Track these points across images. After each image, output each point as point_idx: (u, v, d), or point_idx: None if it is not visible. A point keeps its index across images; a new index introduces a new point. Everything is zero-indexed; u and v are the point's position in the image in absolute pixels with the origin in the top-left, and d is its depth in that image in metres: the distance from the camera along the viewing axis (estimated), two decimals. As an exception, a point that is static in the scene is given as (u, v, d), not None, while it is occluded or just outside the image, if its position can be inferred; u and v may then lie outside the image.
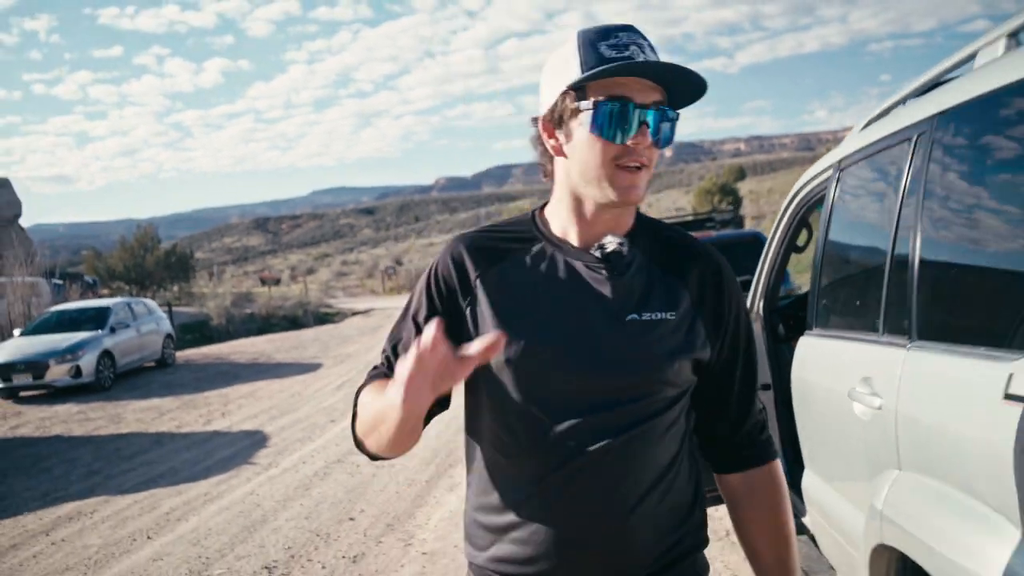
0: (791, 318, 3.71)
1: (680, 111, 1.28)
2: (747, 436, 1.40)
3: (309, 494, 6.06)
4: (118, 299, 16.32)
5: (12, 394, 12.56)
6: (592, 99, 1.23)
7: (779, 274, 3.71)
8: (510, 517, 1.31)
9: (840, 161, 2.70)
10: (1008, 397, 1.42)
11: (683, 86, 1.25)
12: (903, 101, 2.44)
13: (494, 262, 1.34)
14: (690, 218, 12.27)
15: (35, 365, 12.37)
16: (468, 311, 1.31)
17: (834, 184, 2.74)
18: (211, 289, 37.40)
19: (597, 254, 1.30)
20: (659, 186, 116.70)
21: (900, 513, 1.84)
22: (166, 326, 16.16)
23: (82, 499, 6.53)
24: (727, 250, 5.65)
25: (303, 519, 5.43)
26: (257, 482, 6.58)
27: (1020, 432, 1.37)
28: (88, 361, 12.75)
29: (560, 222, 1.34)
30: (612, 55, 1.22)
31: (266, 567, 4.56)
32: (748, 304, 3.77)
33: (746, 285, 4.18)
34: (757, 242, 8.59)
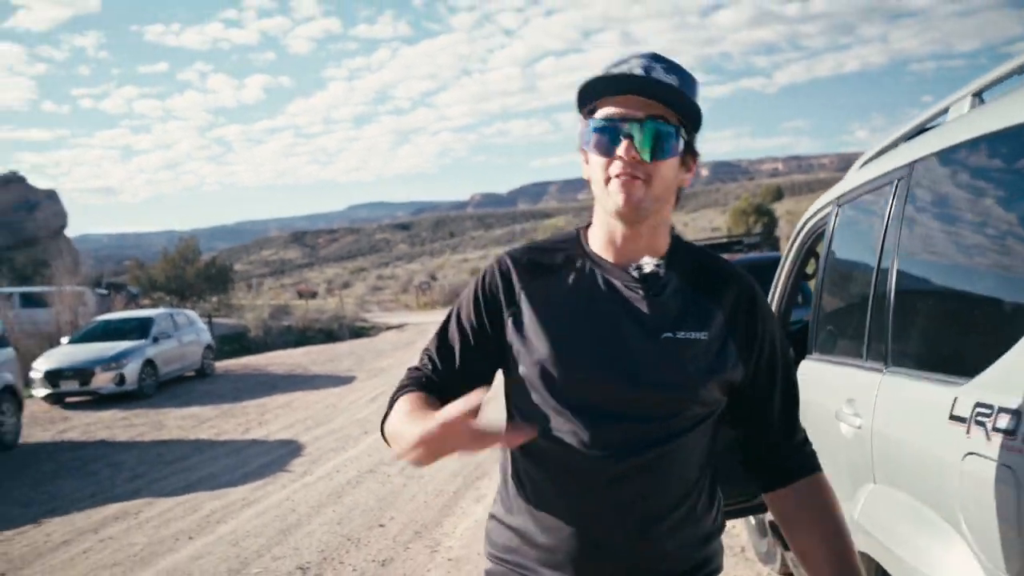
0: (800, 342, 3.89)
1: (692, 131, 1.32)
2: (792, 451, 1.42)
3: (341, 501, 6.32)
4: (161, 310, 16.83)
5: (59, 399, 13.05)
6: (591, 119, 1.32)
7: (790, 300, 3.89)
8: (537, 520, 1.37)
9: (839, 197, 2.91)
10: (952, 418, 1.62)
11: (682, 103, 1.29)
12: (896, 144, 2.64)
13: (538, 276, 1.40)
14: (723, 240, 12.34)
15: (82, 372, 12.85)
16: (511, 320, 1.39)
17: (833, 218, 2.94)
18: (249, 301, 38.15)
19: (635, 274, 1.35)
20: (695, 206, 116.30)
21: (872, 523, 2.04)
22: (206, 337, 16.63)
23: (127, 500, 6.87)
24: (755, 273, 5.83)
25: (335, 524, 5.69)
26: (292, 489, 6.86)
27: (964, 451, 1.57)
28: (132, 369, 13.21)
29: (599, 241, 1.40)
30: (604, 76, 1.31)
31: (300, 568, 4.82)
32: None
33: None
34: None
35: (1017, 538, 1.36)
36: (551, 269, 1.40)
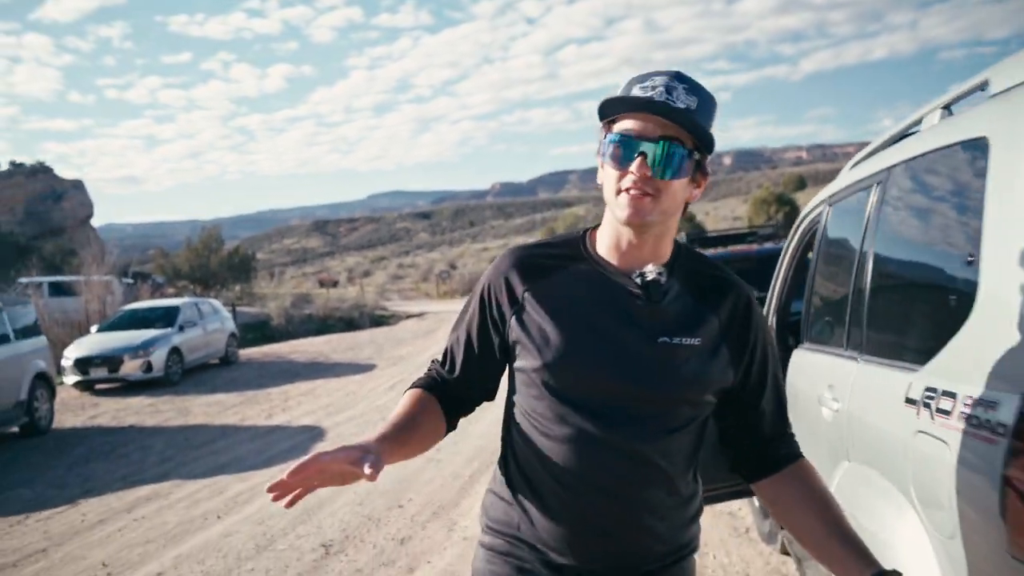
0: (798, 333, 4.06)
1: (706, 152, 1.39)
2: (779, 443, 1.51)
3: (362, 483, 6.57)
4: (186, 299, 17.20)
5: (89, 386, 13.44)
6: (609, 132, 1.39)
7: (791, 291, 4.06)
8: (535, 504, 1.46)
9: (830, 196, 3.08)
10: (907, 401, 1.80)
11: (690, 127, 1.35)
12: (882, 147, 2.81)
13: (542, 276, 1.47)
14: (737, 232, 12.37)
15: (110, 360, 13.21)
16: (514, 319, 1.46)
17: (824, 216, 3.11)
18: (272, 290, 38.62)
19: (638, 280, 1.42)
20: (716, 195, 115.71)
21: (844, 497, 2.23)
22: (230, 325, 16.97)
23: (158, 483, 7.16)
24: (767, 263, 5.98)
25: (356, 505, 5.93)
26: (315, 472, 7.11)
27: (918, 431, 1.75)
28: (158, 357, 13.56)
29: (605, 244, 1.46)
30: (638, 95, 1.35)
31: (323, 545, 5.07)
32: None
33: (761, 301, 4.55)
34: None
35: (950, 503, 1.55)
36: (555, 269, 1.47)
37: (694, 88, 1.36)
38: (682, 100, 1.34)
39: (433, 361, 1.61)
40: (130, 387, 13.40)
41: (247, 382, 13.80)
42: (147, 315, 15.01)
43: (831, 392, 2.49)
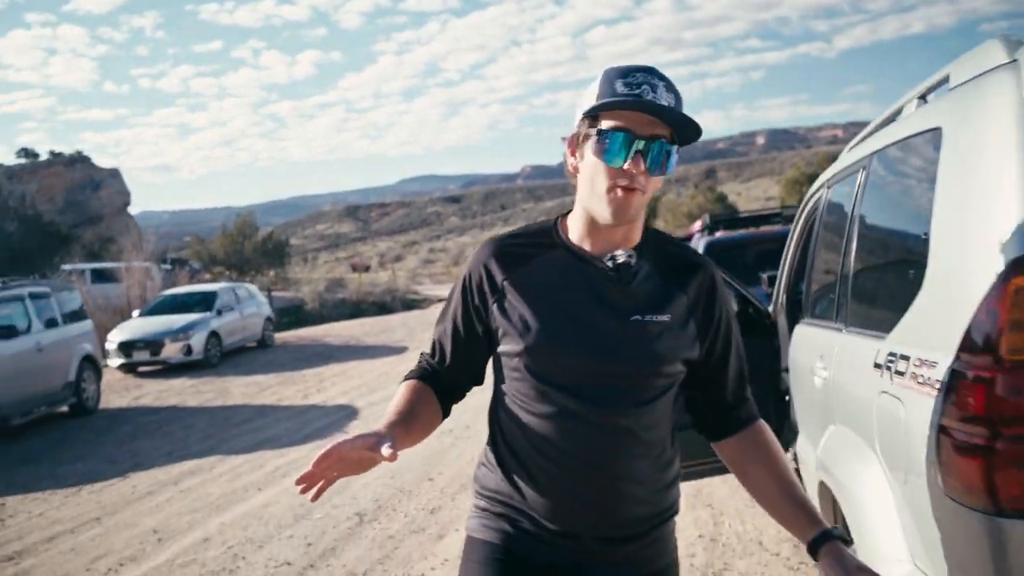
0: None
1: (681, 146, 1.45)
2: (739, 408, 1.60)
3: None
4: (223, 284, 17.66)
5: (132, 369, 13.93)
6: (600, 127, 1.41)
7: (798, 272, 4.24)
8: (523, 476, 1.54)
9: (828, 179, 3.26)
10: (875, 366, 2.01)
11: (683, 123, 1.40)
12: (873, 132, 2.98)
13: (520, 265, 1.54)
14: (762, 213, 12.34)
15: (152, 343, 13.69)
16: (495, 307, 1.53)
17: (823, 198, 3.29)
18: (305, 275, 39.18)
19: (609, 264, 1.49)
20: (749, 175, 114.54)
21: (828, 456, 2.44)
22: (266, 310, 17.41)
23: (201, 458, 7.54)
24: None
25: (389, 478, 6.23)
26: (349, 448, 7.44)
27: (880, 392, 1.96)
28: (198, 340, 14.01)
29: (577, 231, 1.53)
30: (623, 91, 1.39)
31: (357, 514, 5.37)
32: (774, 296, 4.33)
33: (772, 280, 4.73)
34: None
35: (905, 453, 1.76)
36: (532, 257, 1.54)
37: (669, 85, 1.42)
38: (664, 97, 1.39)
39: (423, 354, 1.68)
40: (171, 369, 13.87)
41: (283, 364, 14.20)
42: (186, 300, 15.46)
43: (822, 362, 2.69)
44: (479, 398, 1.84)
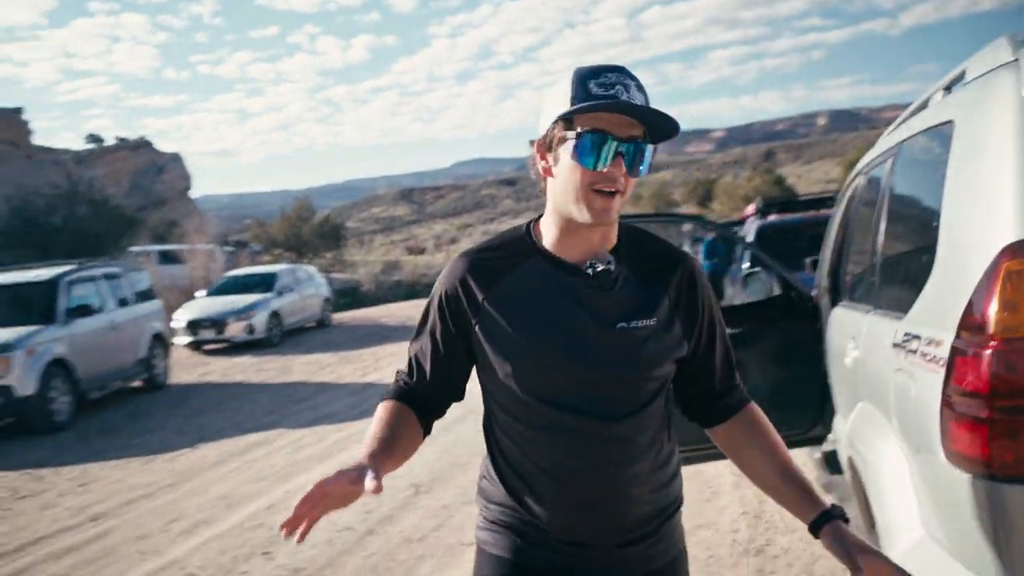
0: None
1: (655, 143, 1.42)
2: (728, 394, 1.59)
3: (447, 433, 7.12)
4: (283, 266, 18.20)
5: (198, 346, 14.51)
6: (577, 130, 1.37)
7: (840, 254, 4.33)
8: (522, 488, 1.52)
9: (864, 166, 3.36)
10: (893, 345, 2.15)
11: (660, 122, 1.39)
12: (904, 121, 3.07)
13: (496, 281, 1.50)
14: (815, 197, 12.23)
15: (217, 322, 14.23)
16: (478, 328, 1.50)
17: (860, 183, 3.39)
18: (361, 257, 39.86)
19: (589, 272, 1.46)
20: (810, 157, 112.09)
21: (854, 432, 2.58)
22: (325, 291, 17.89)
23: (265, 431, 7.92)
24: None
25: (443, 452, 6.50)
26: (405, 424, 7.74)
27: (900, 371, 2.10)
28: (260, 320, 14.52)
29: (552, 237, 1.49)
30: (599, 92, 1.35)
31: (414, 485, 5.65)
32: (816, 279, 4.43)
33: (816, 264, 4.82)
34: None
35: (916, 425, 1.90)
36: (509, 271, 1.50)
37: (639, 84, 1.40)
38: (637, 97, 1.38)
39: (399, 372, 1.63)
40: (235, 347, 14.41)
41: (341, 343, 14.63)
42: (248, 281, 15.99)
43: (852, 343, 2.82)
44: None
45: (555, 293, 1.47)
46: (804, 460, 5.59)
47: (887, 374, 2.18)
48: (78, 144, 56.80)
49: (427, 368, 1.58)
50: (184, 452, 7.32)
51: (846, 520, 1.41)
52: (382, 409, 1.56)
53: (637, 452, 1.48)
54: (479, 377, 1.59)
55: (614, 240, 1.50)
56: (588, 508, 1.48)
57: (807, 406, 4.02)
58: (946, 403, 1.70)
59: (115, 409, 9.70)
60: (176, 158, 55.16)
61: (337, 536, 4.76)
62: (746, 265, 8.83)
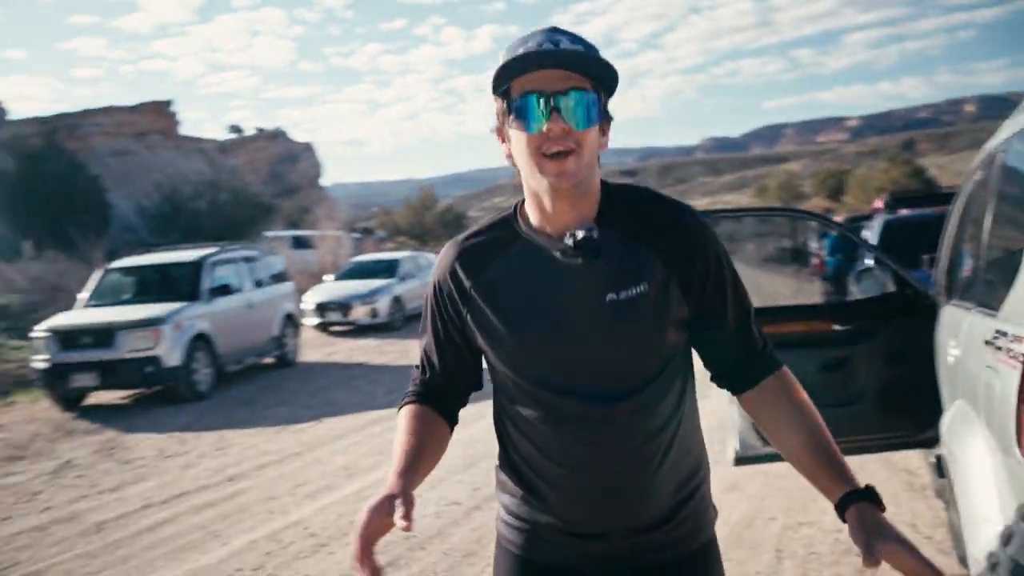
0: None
1: (605, 95, 1.35)
2: (753, 359, 1.45)
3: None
4: (406, 253, 18.85)
5: (325, 328, 15.28)
6: (510, 100, 1.32)
7: (956, 250, 4.22)
8: (533, 475, 1.45)
9: (978, 163, 3.29)
10: (985, 343, 2.16)
11: (598, 69, 1.31)
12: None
13: (483, 267, 1.44)
14: (950, 191, 11.65)
15: (343, 305, 14.95)
16: (468, 315, 1.45)
17: (979, 176, 3.33)
18: (482, 246, 40.42)
19: (570, 242, 1.37)
20: (955, 146, 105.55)
21: (947, 429, 2.58)
22: (444, 277, 18.37)
23: (385, 409, 8.34)
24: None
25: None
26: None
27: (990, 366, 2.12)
28: (383, 304, 15.13)
29: (534, 216, 1.42)
30: (520, 54, 1.29)
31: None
32: (933, 276, 4.34)
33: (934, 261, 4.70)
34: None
35: (1000, 421, 1.93)
36: (495, 255, 1.44)
37: (575, 37, 1.33)
38: (568, 47, 1.31)
39: (413, 371, 1.59)
40: (360, 330, 15.06)
41: (458, 329, 15.01)
42: (372, 267, 16.66)
43: (954, 341, 2.81)
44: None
45: (540, 272, 1.40)
46: (919, 464, 5.45)
47: (978, 371, 2.20)
48: (221, 134, 60.21)
49: (436, 362, 1.53)
50: (310, 424, 7.83)
51: (880, 505, 1.26)
52: (403, 418, 1.51)
53: (646, 432, 1.39)
54: (486, 365, 1.53)
55: (594, 206, 1.40)
56: (598, 495, 1.41)
57: (919, 408, 3.96)
58: (1022, 399, 1.73)
59: (249, 382, 10.42)
60: (309, 147, 57.41)
61: (445, 510, 5.03)
62: (868, 262, 8.58)
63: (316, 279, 18.70)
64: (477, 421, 7.26)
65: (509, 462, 1.51)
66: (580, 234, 1.35)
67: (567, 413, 1.39)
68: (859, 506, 1.25)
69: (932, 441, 4.04)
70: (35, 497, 6.10)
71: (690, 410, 1.47)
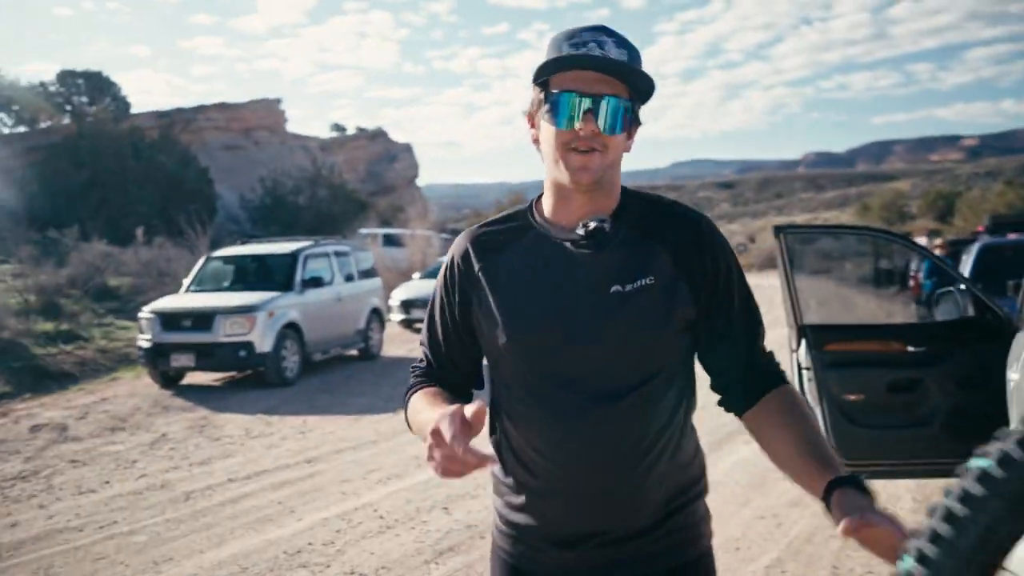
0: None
1: (639, 103, 1.38)
2: (756, 374, 1.42)
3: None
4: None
5: (409, 324, 15.62)
6: (549, 91, 1.35)
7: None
8: (527, 474, 1.42)
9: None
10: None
11: (637, 78, 1.35)
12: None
13: (494, 254, 1.45)
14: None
15: (427, 304, 15.28)
16: (475, 299, 1.44)
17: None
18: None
19: (581, 232, 1.39)
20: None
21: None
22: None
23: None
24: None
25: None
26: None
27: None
28: (466, 304, 15.41)
29: (550, 207, 1.44)
30: (570, 52, 1.33)
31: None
32: (1019, 302, 4.23)
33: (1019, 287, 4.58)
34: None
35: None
36: (504, 243, 1.46)
37: (620, 40, 1.36)
38: (615, 53, 1.34)
39: (413, 367, 1.56)
40: (442, 328, 15.39)
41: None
42: (459, 267, 16.98)
43: (1016, 365, 2.79)
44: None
45: (547, 261, 1.41)
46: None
47: (1026, 393, 2.20)
48: (324, 132, 62.12)
49: (441, 348, 1.51)
50: (387, 416, 8.11)
51: (865, 491, 1.18)
52: (421, 397, 1.45)
53: (637, 435, 1.36)
54: (486, 358, 1.50)
55: (611, 205, 1.43)
56: (588, 495, 1.37)
57: (990, 433, 3.88)
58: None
59: (333, 372, 10.83)
60: (408, 148, 58.55)
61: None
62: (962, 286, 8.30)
63: (404, 276, 19.17)
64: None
65: (500, 455, 1.48)
66: (592, 224, 1.38)
67: (561, 406, 1.37)
68: (844, 489, 1.19)
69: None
70: (132, 465, 6.56)
71: (687, 426, 1.46)
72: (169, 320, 9.64)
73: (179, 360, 9.48)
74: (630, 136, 1.41)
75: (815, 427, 1.36)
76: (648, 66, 1.41)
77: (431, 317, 1.53)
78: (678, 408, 1.42)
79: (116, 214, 21.59)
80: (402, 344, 13.63)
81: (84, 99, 29.74)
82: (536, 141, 1.43)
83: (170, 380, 9.80)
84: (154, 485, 5.96)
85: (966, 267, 8.17)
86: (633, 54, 1.37)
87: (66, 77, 29.76)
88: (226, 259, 11.39)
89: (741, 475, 5.78)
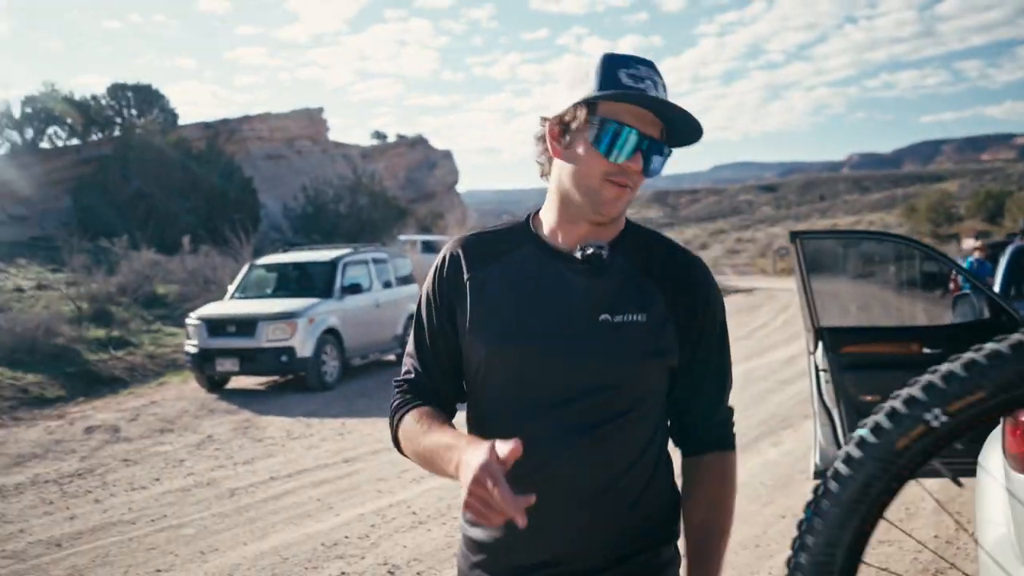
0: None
1: (673, 150, 1.37)
2: (710, 426, 1.43)
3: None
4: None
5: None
6: (600, 116, 1.30)
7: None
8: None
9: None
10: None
11: (683, 127, 1.33)
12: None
13: (484, 265, 1.41)
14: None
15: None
16: (458, 310, 1.41)
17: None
18: (608, 257, 40.44)
19: (578, 255, 1.37)
20: None
21: (984, 450, 2.69)
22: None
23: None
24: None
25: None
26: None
27: None
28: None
29: (550, 224, 1.41)
30: (629, 83, 1.29)
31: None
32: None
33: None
34: None
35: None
36: (498, 256, 1.42)
37: (664, 84, 1.35)
38: (664, 95, 1.33)
39: (397, 381, 1.49)
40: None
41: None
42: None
43: None
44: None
45: (539, 279, 1.38)
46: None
47: None
48: (365, 139, 62.88)
49: (428, 357, 1.45)
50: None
51: None
52: (414, 414, 1.41)
53: (609, 466, 1.34)
54: (466, 372, 1.45)
55: (614, 234, 1.42)
56: (546, 524, 1.32)
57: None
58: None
59: (371, 376, 11.12)
60: (447, 155, 58.91)
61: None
62: (996, 289, 8.30)
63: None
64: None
65: None
66: (590, 249, 1.36)
67: (531, 427, 1.30)
68: None
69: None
70: (181, 464, 6.89)
71: (660, 464, 1.42)
72: (215, 326, 10.01)
73: (224, 365, 9.84)
74: None
75: (726, 526, 1.42)
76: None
77: (418, 323, 1.48)
78: (650, 445, 1.39)
79: (163, 223, 22.26)
80: (439, 349, 13.90)
81: (134, 111, 30.67)
82: (556, 153, 1.38)
83: (215, 384, 10.18)
84: (201, 482, 6.27)
85: (999, 269, 8.16)
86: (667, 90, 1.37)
87: (116, 90, 30.71)
88: (268, 267, 11.76)
89: (767, 476, 5.91)
